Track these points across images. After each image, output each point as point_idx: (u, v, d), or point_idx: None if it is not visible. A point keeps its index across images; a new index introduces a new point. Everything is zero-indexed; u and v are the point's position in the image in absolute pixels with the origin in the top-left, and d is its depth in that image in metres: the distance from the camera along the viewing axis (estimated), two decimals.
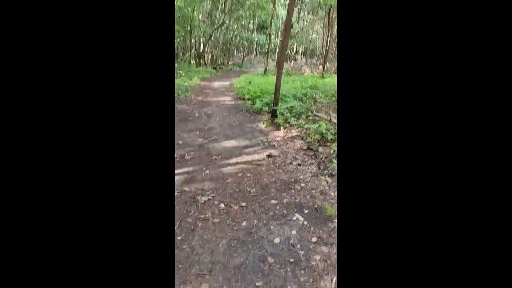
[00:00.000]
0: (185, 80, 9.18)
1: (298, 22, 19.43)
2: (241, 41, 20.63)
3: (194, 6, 12.72)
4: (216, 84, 9.78)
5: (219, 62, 17.52)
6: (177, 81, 8.45)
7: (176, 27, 11.64)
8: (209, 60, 18.39)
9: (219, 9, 13.96)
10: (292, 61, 25.65)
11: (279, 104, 4.93)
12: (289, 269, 1.60)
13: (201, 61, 16.01)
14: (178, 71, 9.80)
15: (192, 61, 16.86)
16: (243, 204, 2.27)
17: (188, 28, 12.77)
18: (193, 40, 15.91)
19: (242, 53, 23.60)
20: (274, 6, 14.53)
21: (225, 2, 13.98)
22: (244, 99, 6.61)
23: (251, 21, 23.19)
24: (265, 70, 12.65)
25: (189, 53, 15.32)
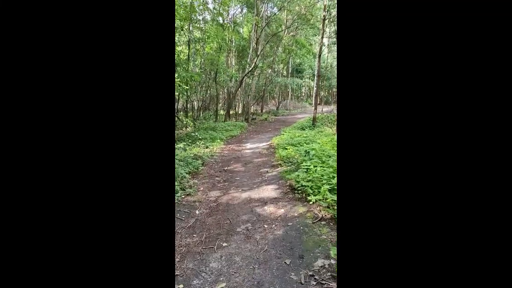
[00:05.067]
0: (201, 146, 6.22)
1: None
2: (276, 86, 18.33)
3: (221, 48, 10.67)
4: (248, 148, 6.52)
5: (252, 111, 15.07)
6: (188, 152, 5.47)
7: (200, 74, 9.48)
8: (240, 109, 16.15)
9: (251, 50, 11.84)
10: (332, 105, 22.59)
11: None
12: None
13: (231, 111, 13.66)
14: (194, 133, 7.00)
15: (222, 112, 14.71)
16: None
17: (214, 74, 10.54)
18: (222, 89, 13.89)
19: (276, 99, 21.32)
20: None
21: (256, 41, 11.87)
22: (303, 197, 2.99)
23: (284, 67, 21.48)
24: (314, 120, 9.38)
25: (215, 104, 13.05)
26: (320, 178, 3.05)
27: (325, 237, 2.22)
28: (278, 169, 4.41)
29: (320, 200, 2.70)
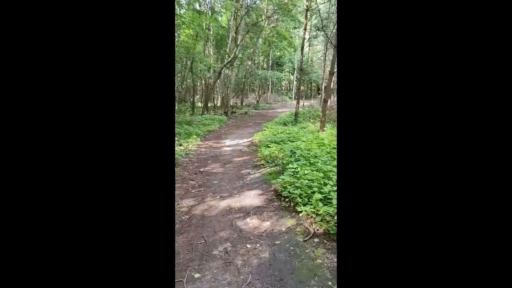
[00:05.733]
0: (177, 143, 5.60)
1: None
2: (256, 79, 17.76)
3: (197, 35, 9.89)
4: (228, 145, 5.99)
5: (231, 104, 14.45)
6: None
7: (176, 64, 8.70)
8: (219, 101, 15.45)
9: (230, 40, 11.16)
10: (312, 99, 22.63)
11: None
12: None
13: (209, 104, 12.97)
14: None
15: (200, 104, 13.95)
16: None
17: (190, 64, 9.77)
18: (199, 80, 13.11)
19: (256, 92, 20.81)
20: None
21: (236, 31, 11.22)
22: (290, 207, 2.58)
23: (265, 59, 20.96)
24: (296, 115, 9.06)
25: (191, 96, 12.25)
26: (310, 184, 2.68)
27: (320, 261, 1.85)
28: (261, 170, 4.00)
29: (311, 212, 2.33)
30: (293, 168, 3.21)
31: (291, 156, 3.61)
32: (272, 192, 3.12)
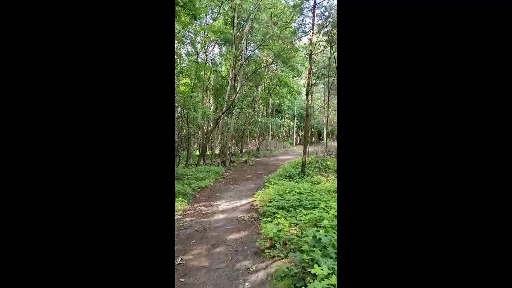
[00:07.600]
0: None
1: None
2: (256, 126, 17.18)
3: (194, 84, 9.39)
4: (221, 210, 4.59)
5: (230, 152, 13.48)
6: None
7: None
8: (218, 149, 14.55)
9: (229, 88, 10.74)
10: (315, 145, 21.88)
11: None
12: None
13: (207, 152, 12.01)
14: None
15: (197, 152, 13.00)
16: None
17: (186, 113, 9.05)
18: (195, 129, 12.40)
19: (256, 139, 20.14)
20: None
21: (235, 79, 10.87)
22: None
23: (265, 107, 20.93)
24: (303, 166, 7.90)
25: (187, 146, 11.32)
26: None
27: None
28: (266, 263, 2.64)
29: None
30: (323, 273, 1.91)
31: (315, 245, 2.33)
32: None
